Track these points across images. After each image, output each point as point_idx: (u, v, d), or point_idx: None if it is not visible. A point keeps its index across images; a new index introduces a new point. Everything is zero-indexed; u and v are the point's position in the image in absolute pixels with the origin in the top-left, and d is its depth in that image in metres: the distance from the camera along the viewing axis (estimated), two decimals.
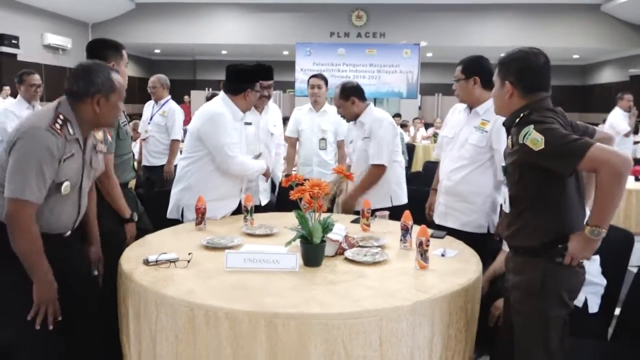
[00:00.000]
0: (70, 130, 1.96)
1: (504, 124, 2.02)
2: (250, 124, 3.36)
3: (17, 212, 1.85)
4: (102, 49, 2.55)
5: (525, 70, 1.90)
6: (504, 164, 2.00)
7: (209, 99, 4.18)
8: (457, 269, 2.10)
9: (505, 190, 1.98)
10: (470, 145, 2.81)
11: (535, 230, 1.87)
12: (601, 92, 15.90)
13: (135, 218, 2.58)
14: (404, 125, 10.36)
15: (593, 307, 2.32)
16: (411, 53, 12.60)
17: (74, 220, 2.11)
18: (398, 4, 13.06)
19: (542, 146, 1.74)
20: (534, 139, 1.75)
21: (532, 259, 1.88)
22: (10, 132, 1.95)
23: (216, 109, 2.92)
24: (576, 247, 1.81)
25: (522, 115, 1.88)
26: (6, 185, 1.87)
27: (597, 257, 2.28)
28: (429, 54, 14.83)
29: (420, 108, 14.10)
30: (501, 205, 2.20)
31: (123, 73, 2.60)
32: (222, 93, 3.03)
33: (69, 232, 2.11)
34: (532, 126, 1.78)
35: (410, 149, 8.74)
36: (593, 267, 2.26)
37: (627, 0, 11.65)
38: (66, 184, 1.97)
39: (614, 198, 1.74)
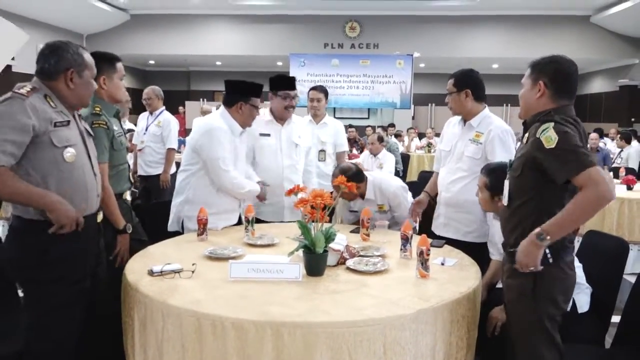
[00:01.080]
0: (52, 103, 1.96)
1: (524, 123, 2.07)
2: (268, 135, 3.34)
3: None
4: (95, 62, 2.55)
5: (561, 74, 1.98)
6: (511, 158, 2.07)
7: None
8: (457, 277, 2.14)
9: (506, 184, 2.04)
10: (467, 157, 2.86)
11: (525, 230, 1.91)
12: (591, 102, 16.09)
13: (129, 230, 2.56)
14: (398, 135, 10.45)
15: (583, 307, 2.36)
16: (404, 64, 12.71)
17: (97, 193, 2.13)
18: (391, 15, 13.19)
19: (553, 145, 1.81)
20: (549, 136, 1.82)
21: None
22: None
23: (214, 122, 2.93)
24: (519, 251, 1.86)
25: (546, 113, 1.94)
26: None
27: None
28: (422, 65, 14.96)
29: (413, 118, 14.23)
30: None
31: (117, 86, 2.58)
32: (221, 107, 3.06)
33: (100, 214, 2.14)
34: (552, 124, 1.85)
35: (404, 159, 8.81)
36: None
37: (616, 11, 11.83)
38: (70, 151, 1.97)
39: (579, 217, 1.80)
